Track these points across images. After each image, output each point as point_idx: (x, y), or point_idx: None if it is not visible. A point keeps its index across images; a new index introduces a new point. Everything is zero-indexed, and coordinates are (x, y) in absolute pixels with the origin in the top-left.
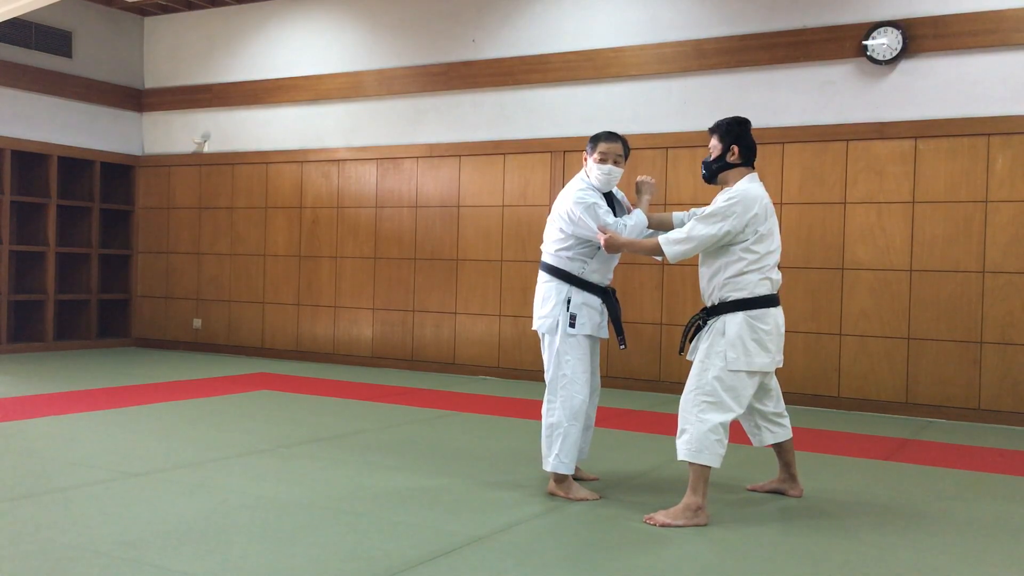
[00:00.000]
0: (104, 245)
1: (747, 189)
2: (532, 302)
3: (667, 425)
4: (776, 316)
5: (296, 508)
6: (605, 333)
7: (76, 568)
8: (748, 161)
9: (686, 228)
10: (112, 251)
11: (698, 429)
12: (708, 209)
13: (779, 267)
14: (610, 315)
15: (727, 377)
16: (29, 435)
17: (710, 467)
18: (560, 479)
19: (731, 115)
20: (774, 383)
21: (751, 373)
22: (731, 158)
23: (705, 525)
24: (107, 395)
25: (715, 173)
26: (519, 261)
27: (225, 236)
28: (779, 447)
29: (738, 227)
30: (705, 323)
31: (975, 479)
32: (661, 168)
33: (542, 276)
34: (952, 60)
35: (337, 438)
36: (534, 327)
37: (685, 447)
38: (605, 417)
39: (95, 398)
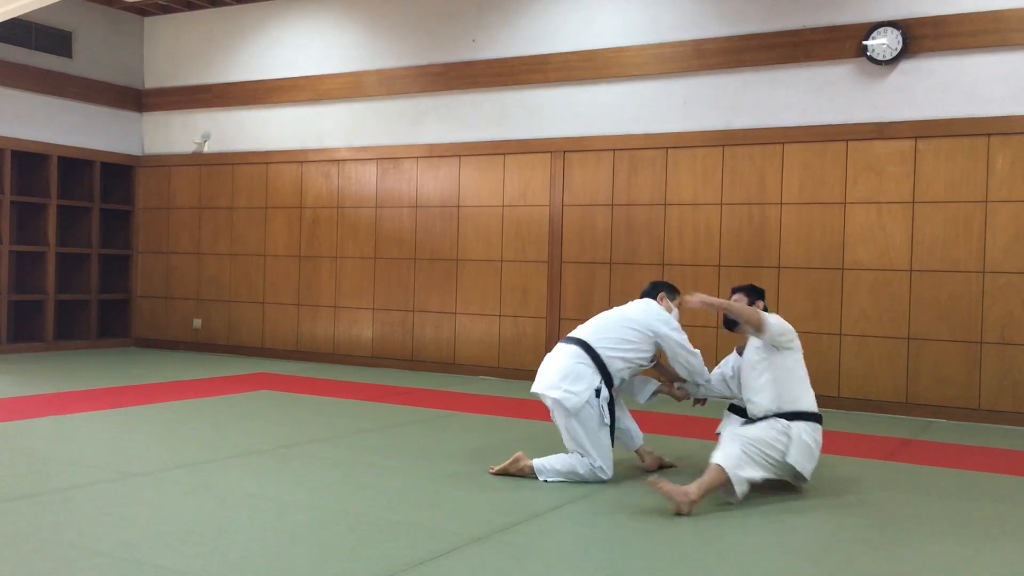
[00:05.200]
0: (104, 245)
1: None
2: (531, 302)
3: (667, 425)
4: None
5: (296, 508)
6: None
7: (76, 568)
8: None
9: (798, 348)
10: (112, 251)
11: (741, 460)
12: (772, 335)
13: (779, 268)
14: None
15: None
16: (29, 435)
17: (723, 482)
18: None
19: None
20: None
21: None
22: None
23: (687, 515)
24: (107, 395)
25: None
26: (519, 261)
27: (225, 236)
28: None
29: None
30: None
31: (975, 479)
32: (661, 168)
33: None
34: (952, 60)
35: (337, 438)
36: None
37: (728, 460)
38: None
39: (95, 398)
